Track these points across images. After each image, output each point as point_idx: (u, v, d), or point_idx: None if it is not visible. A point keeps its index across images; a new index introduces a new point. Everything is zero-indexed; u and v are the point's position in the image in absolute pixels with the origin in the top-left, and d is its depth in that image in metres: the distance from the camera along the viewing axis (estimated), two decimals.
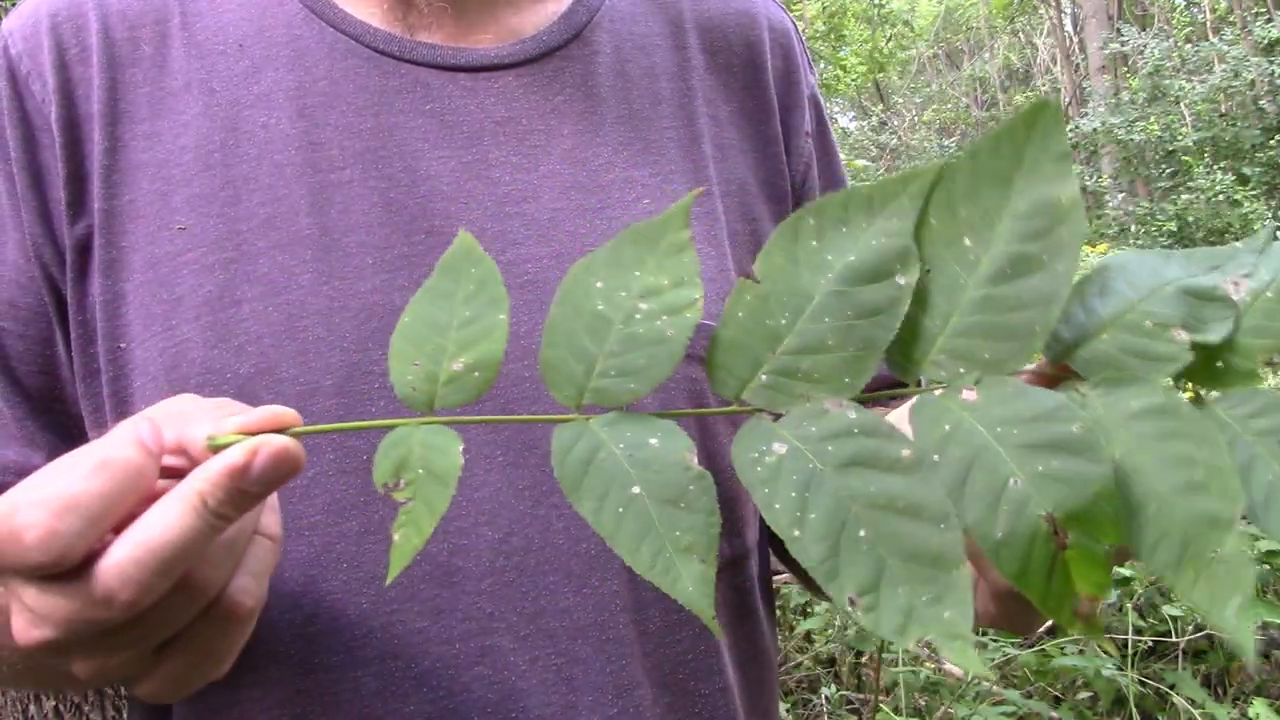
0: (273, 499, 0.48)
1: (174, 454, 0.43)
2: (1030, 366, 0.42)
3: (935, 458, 0.40)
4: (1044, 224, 0.41)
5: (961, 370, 0.41)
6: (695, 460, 0.40)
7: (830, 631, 2.58)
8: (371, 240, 0.63)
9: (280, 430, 0.42)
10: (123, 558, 0.40)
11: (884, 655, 2.34)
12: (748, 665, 0.70)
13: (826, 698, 2.30)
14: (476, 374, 0.43)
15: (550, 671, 0.61)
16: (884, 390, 0.45)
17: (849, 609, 0.38)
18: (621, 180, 0.68)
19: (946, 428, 0.40)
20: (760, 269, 0.42)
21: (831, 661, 2.65)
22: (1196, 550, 0.39)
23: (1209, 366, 0.42)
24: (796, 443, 0.40)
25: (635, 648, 0.63)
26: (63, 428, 0.65)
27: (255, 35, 0.68)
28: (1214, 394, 0.42)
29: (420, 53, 0.68)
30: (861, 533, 0.39)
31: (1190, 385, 0.43)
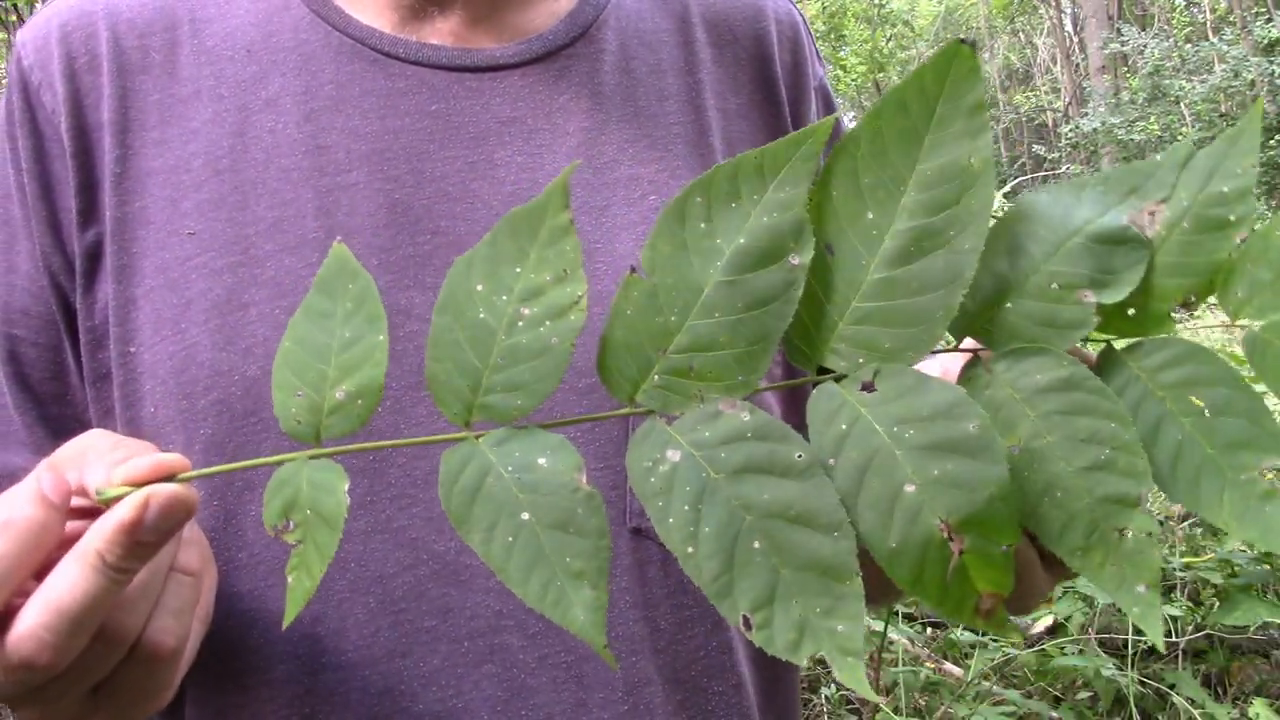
0: (195, 533, 0.48)
1: (79, 495, 0.44)
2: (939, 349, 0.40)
3: (831, 461, 0.38)
4: (951, 192, 0.39)
5: (861, 360, 0.39)
6: (584, 479, 0.39)
7: None
8: (378, 242, 0.64)
9: (169, 477, 0.42)
10: (34, 623, 0.42)
11: (884, 655, 2.32)
12: (763, 663, 0.70)
13: (826, 698, 2.29)
14: (359, 402, 0.42)
15: (560, 669, 0.61)
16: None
17: (743, 629, 0.36)
18: (628, 178, 0.68)
19: (843, 427, 0.38)
20: (647, 261, 0.40)
21: None
22: (1103, 533, 0.38)
23: (1120, 315, 0.41)
24: (690, 449, 0.38)
25: (645, 645, 0.64)
26: (70, 433, 0.66)
27: (262, 41, 0.69)
28: (1124, 343, 0.42)
29: (426, 54, 0.68)
30: (755, 544, 0.37)
31: (1102, 338, 0.40)
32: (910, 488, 0.37)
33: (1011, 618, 0.39)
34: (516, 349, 0.40)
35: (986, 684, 2.40)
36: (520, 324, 0.41)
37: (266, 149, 0.65)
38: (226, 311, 0.62)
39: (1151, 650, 2.63)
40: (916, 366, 0.40)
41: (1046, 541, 0.39)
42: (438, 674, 0.60)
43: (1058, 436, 0.39)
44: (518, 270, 0.41)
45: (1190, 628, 2.63)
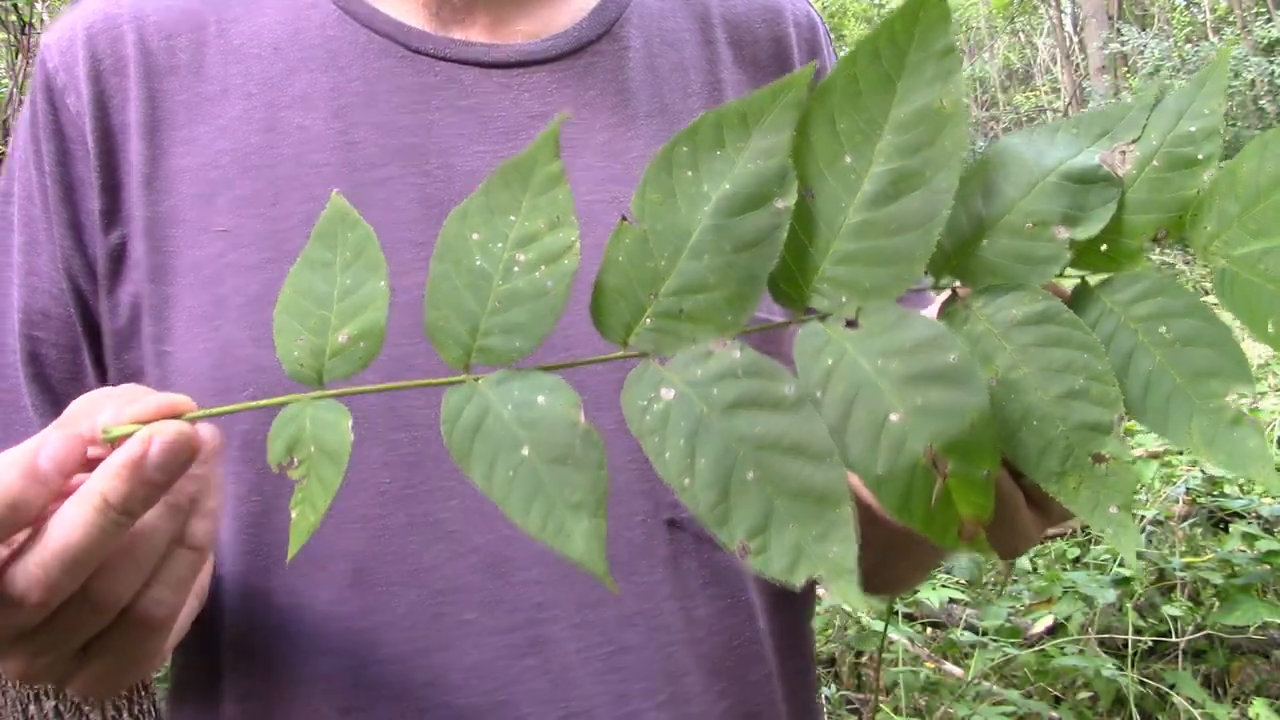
0: (213, 504, 0.49)
1: (93, 444, 0.46)
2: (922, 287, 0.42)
3: (819, 394, 0.40)
4: (926, 134, 0.41)
5: (844, 299, 0.41)
6: (582, 416, 0.41)
7: (830, 631, 2.58)
8: (411, 236, 0.65)
9: (175, 416, 0.43)
10: (28, 559, 0.43)
11: (884, 655, 2.33)
12: (788, 655, 0.72)
13: (827, 698, 2.30)
14: (362, 344, 0.44)
15: (600, 660, 0.63)
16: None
17: (740, 555, 0.38)
18: None
19: (829, 362, 0.40)
20: (637, 208, 0.42)
21: (831, 661, 2.66)
22: (1078, 458, 0.39)
23: (1093, 251, 0.44)
24: (684, 387, 0.40)
25: (682, 635, 0.65)
26: None
27: (290, 38, 0.70)
28: (1099, 279, 0.44)
29: (455, 50, 0.70)
30: (750, 475, 0.39)
31: (1075, 274, 0.43)
32: (895, 417, 0.39)
33: (1017, 621, 0.40)
34: (513, 293, 0.42)
35: (986, 684, 2.42)
36: (516, 269, 0.43)
37: (297, 145, 0.67)
38: (262, 307, 0.63)
39: (1151, 650, 2.65)
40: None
41: (1024, 468, 0.41)
42: (481, 667, 0.61)
43: (1033, 368, 0.41)
44: (512, 218, 0.43)
45: (1190, 628, 2.65)
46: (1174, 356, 0.41)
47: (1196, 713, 2.37)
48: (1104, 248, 0.43)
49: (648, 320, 0.42)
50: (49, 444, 0.43)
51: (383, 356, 0.63)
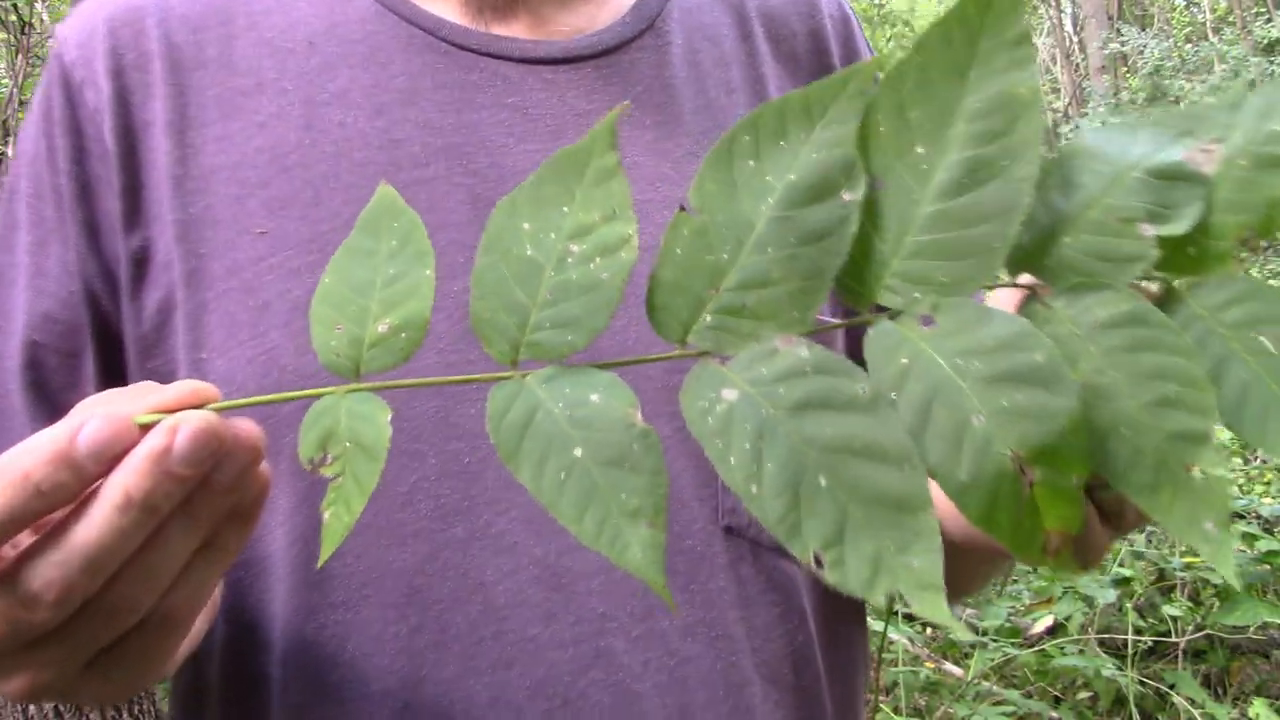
0: (250, 509, 0.45)
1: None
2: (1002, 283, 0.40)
3: (894, 396, 0.38)
4: (1002, 122, 0.39)
5: (917, 295, 0.39)
6: (639, 416, 0.39)
7: None
8: (461, 238, 0.63)
9: (199, 405, 0.41)
10: (45, 558, 0.40)
11: (884, 655, 2.32)
12: (831, 651, 0.70)
13: None
14: (403, 335, 0.42)
15: (664, 673, 0.61)
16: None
17: (815, 568, 0.35)
18: None
19: (904, 361, 0.38)
20: (695, 199, 0.40)
21: None
22: (1171, 470, 0.38)
23: (1180, 253, 0.41)
24: (747, 387, 0.38)
25: (744, 644, 0.64)
26: None
27: (326, 32, 0.68)
28: (1186, 283, 0.42)
29: (498, 46, 0.69)
30: (822, 480, 0.37)
31: (1161, 276, 0.41)
32: (978, 420, 0.37)
33: (1017, 621, 0.38)
34: (566, 285, 0.40)
35: (986, 684, 2.41)
36: (569, 260, 0.41)
37: (337, 143, 0.65)
38: (306, 313, 0.61)
39: (1151, 650, 2.65)
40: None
41: (1112, 479, 0.39)
42: (544, 683, 0.59)
43: (1122, 373, 0.39)
44: (565, 210, 0.41)
45: (1190, 628, 2.65)
46: (1271, 365, 0.39)
47: (1196, 713, 2.37)
48: (1191, 250, 0.40)
49: (707, 317, 0.40)
50: (91, 426, 0.39)
51: (432, 363, 0.61)
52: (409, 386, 0.41)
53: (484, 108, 0.67)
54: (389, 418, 0.40)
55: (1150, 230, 0.40)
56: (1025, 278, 0.42)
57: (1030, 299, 0.41)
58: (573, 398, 0.39)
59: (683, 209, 0.40)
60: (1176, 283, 0.41)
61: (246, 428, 0.40)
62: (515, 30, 0.70)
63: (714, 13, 0.76)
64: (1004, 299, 0.43)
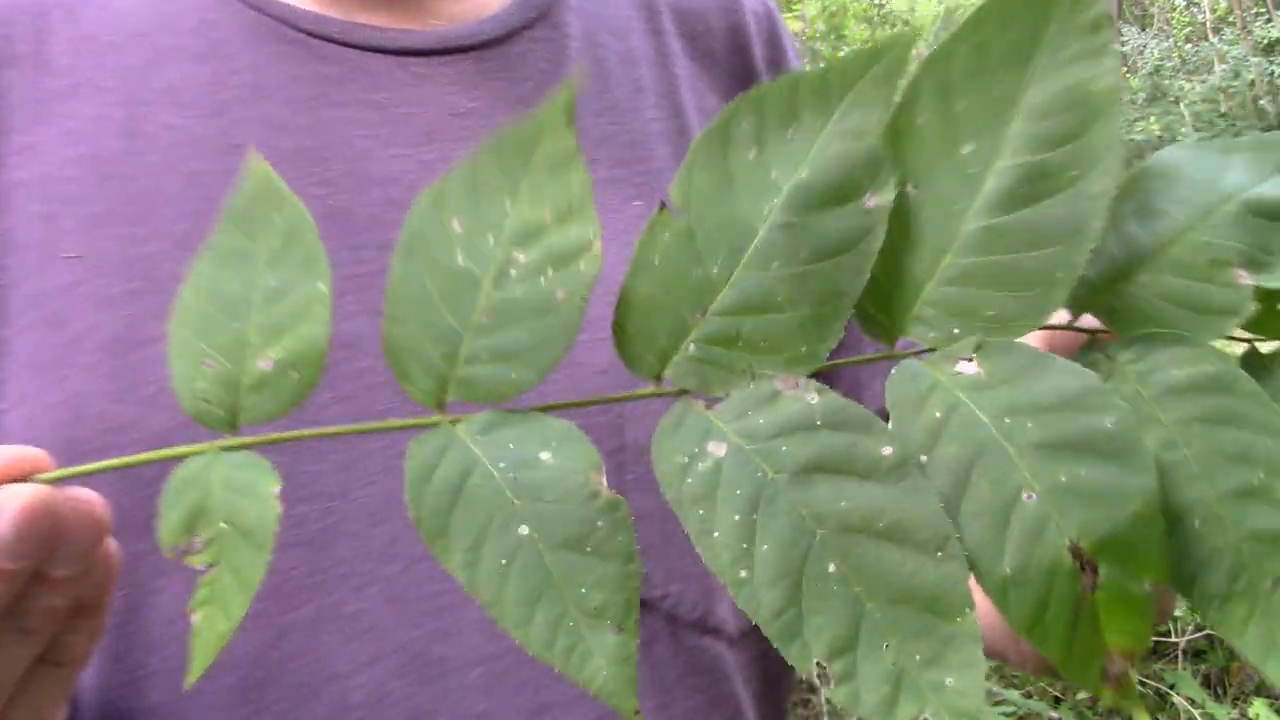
0: (97, 603, 0.36)
1: None
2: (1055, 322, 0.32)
3: (923, 458, 0.30)
4: (1071, 123, 0.31)
5: (956, 330, 0.32)
6: (604, 481, 0.30)
7: None
8: None
9: (22, 477, 0.32)
10: None
11: None
12: None
13: (827, 699, 2.24)
14: (293, 374, 0.33)
15: None
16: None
17: (818, 680, 0.28)
18: (608, 180, 0.60)
19: (937, 414, 0.31)
20: (679, 195, 0.32)
21: None
22: (1251, 579, 0.31)
23: (1273, 311, 0.33)
24: (740, 441, 0.30)
25: None
26: None
27: (158, 23, 0.58)
28: (1272, 348, 0.34)
29: (361, 35, 0.59)
30: (831, 567, 0.29)
31: (1249, 337, 0.33)
32: (1029, 497, 0.29)
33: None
34: (509, 305, 0.32)
35: (986, 684, 2.40)
36: (513, 272, 0.32)
37: (165, 149, 0.55)
38: (123, 351, 0.52)
39: (1152, 650, 2.66)
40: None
41: (1175, 583, 0.31)
42: None
43: (1198, 450, 0.31)
44: (507, 205, 0.33)
45: (1190, 628, 2.65)
46: None
47: (1196, 713, 2.37)
48: None
49: (690, 346, 0.32)
50: None
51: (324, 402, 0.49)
52: (303, 438, 0.32)
53: (342, 105, 0.57)
54: (277, 490, 0.30)
55: (1247, 279, 0.32)
56: (1085, 319, 0.34)
57: (1089, 347, 0.33)
58: (518, 455, 0.30)
59: (663, 206, 0.32)
60: (1266, 348, 0.34)
61: (83, 498, 0.32)
62: (382, 19, 0.60)
63: (618, 4, 0.67)
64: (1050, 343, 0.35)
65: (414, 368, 0.32)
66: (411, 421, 0.31)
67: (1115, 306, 0.33)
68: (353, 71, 0.58)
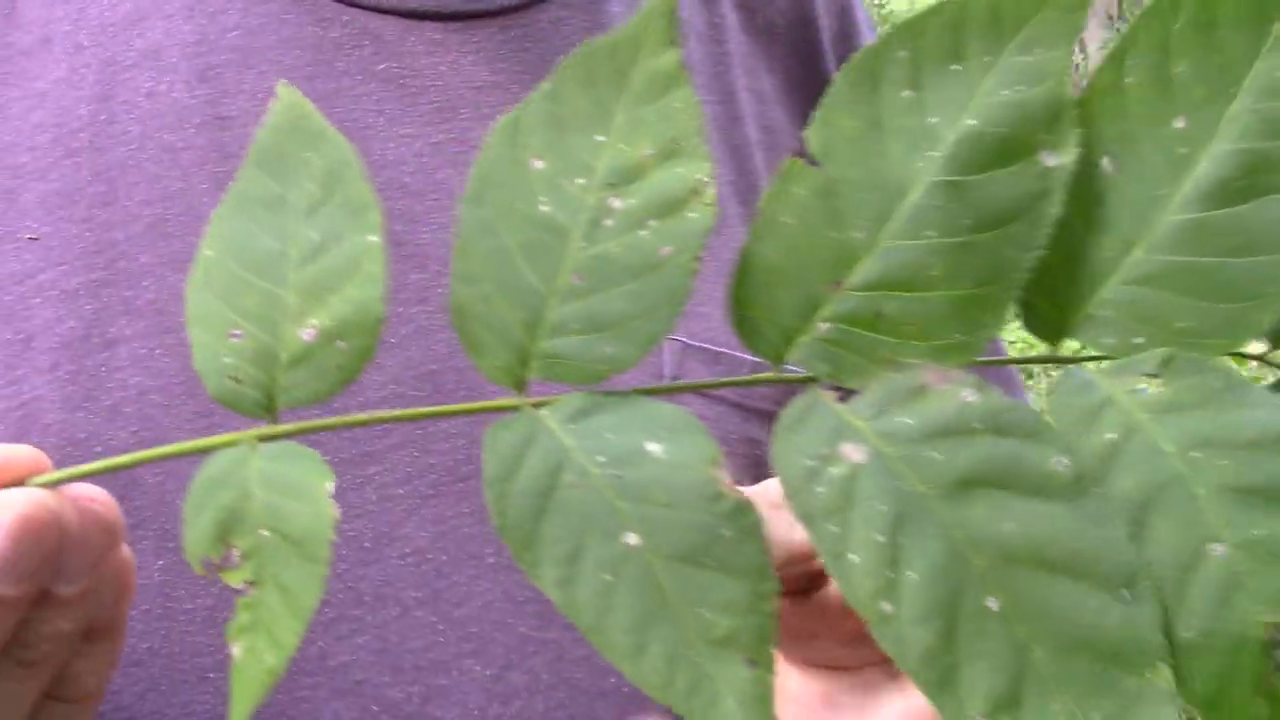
0: (112, 624, 0.32)
1: None
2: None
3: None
4: None
5: (1139, 340, 0.27)
6: (727, 478, 0.25)
7: None
8: None
9: (17, 481, 0.27)
10: None
11: None
12: None
13: None
14: (340, 343, 0.27)
15: None
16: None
17: None
18: None
19: (1109, 437, 0.27)
20: (818, 142, 0.27)
21: None
22: None
23: None
24: (881, 444, 0.25)
25: None
26: None
27: None
28: None
29: None
30: (991, 603, 0.25)
31: None
32: (1218, 549, 0.25)
33: None
34: (603, 263, 0.27)
35: None
36: (609, 222, 0.27)
37: (142, 119, 0.50)
38: (84, 352, 0.47)
39: None
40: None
41: None
42: None
43: None
44: (599, 139, 0.27)
45: None
46: None
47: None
48: None
49: (822, 325, 0.27)
50: None
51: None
52: (356, 425, 0.26)
53: (346, 75, 0.51)
54: (331, 487, 0.25)
55: None
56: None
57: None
58: (619, 447, 0.25)
59: (799, 155, 0.27)
60: None
61: (91, 498, 0.27)
62: None
63: None
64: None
65: (488, 338, 0.26)
66: (488, 405, 0.26)
67: None
68: (357, 36, 0.52)
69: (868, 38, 0.64)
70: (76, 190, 0.49)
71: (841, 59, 0.61)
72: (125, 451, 0.44)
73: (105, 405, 0.46)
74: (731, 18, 0.60)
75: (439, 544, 0.46)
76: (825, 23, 0.62)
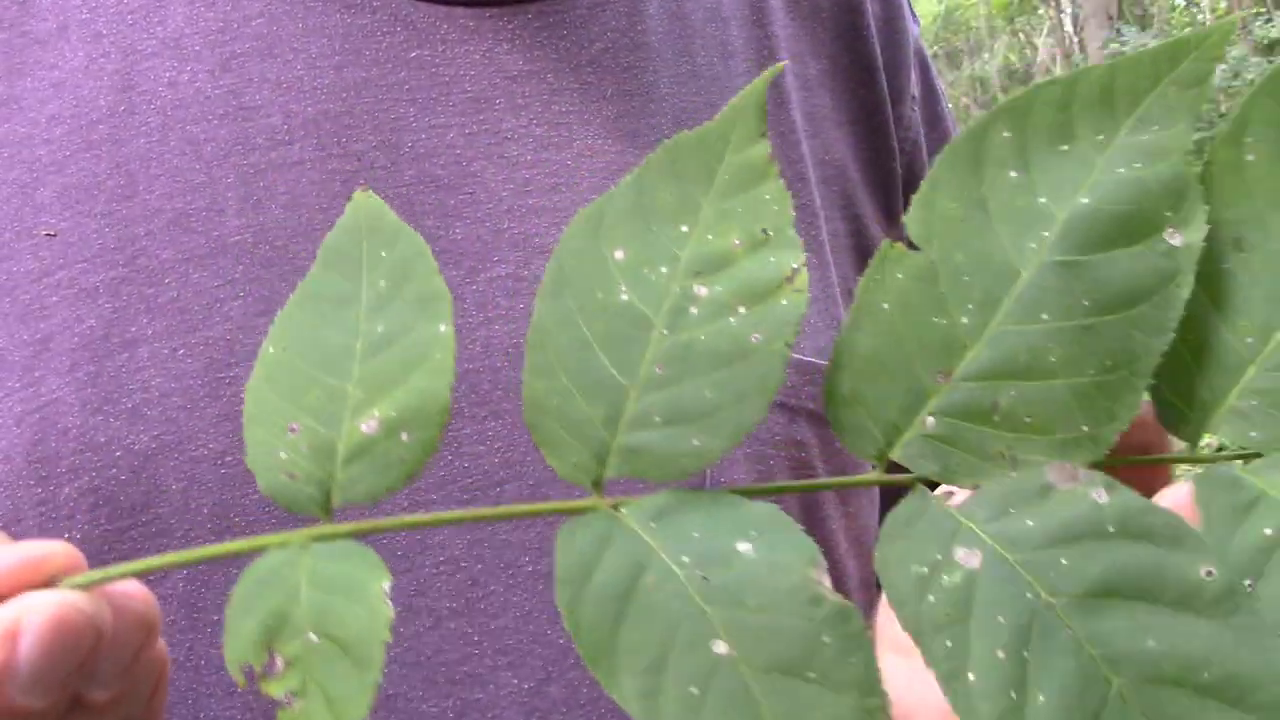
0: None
1: None
2: None
3: (1247, 585, 0.22)
4: None
5: None
6: (827, 582, 0.22)
7: None
8: None
9: (45, 583, 0.26)
10: None
11: None
12: None
13: None
14: (404, 436, 0.26)
15: None
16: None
17: None
18: None
19: (1266, 533, 0.23)
20: (918, 225, 0.25)
21: None
22: None
23: None
24: (1000, 549, 0.23)
25: None
26: None
27: None
28: None
29: None
30: None
31: None
32: None
33: None
34: (689, 351, 0.25)
35: None
36: (694, 310, 0.25)
37: (163, 110, 0.49)
38: (104, 353, 0.46)
39: None
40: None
41: None
42: None
43: None
44: (684, 229, 0.26)
45: None
46: None
47: None
48: None
49: (929, 420, 0.25)
50: None
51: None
52: (418, 526, 0.24)
53: (375, 64, 0.50)
54: (388, 587, 0.23)
55: None
56: None
57: None
58: (706, 548, 0.23)
59: (894, 241, 0.25)
60: None
61: (127, 594, 0.25)
62: None
63: None
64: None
65: (563, 434, 0.25)
66: (564, 505, 0.24)
67: None
68: (387, 22, 0.50)
69: (908, 22, 0.63)
70: (95, 184, 0.48)
71: (886, 45, 0.60)
72: (146, 455, 0.43)
73: (126, 408, 0.45)
74: (776, 1, 0.58)
75: (474, 551, 0.44)
76: (871, 8, 0.60)
